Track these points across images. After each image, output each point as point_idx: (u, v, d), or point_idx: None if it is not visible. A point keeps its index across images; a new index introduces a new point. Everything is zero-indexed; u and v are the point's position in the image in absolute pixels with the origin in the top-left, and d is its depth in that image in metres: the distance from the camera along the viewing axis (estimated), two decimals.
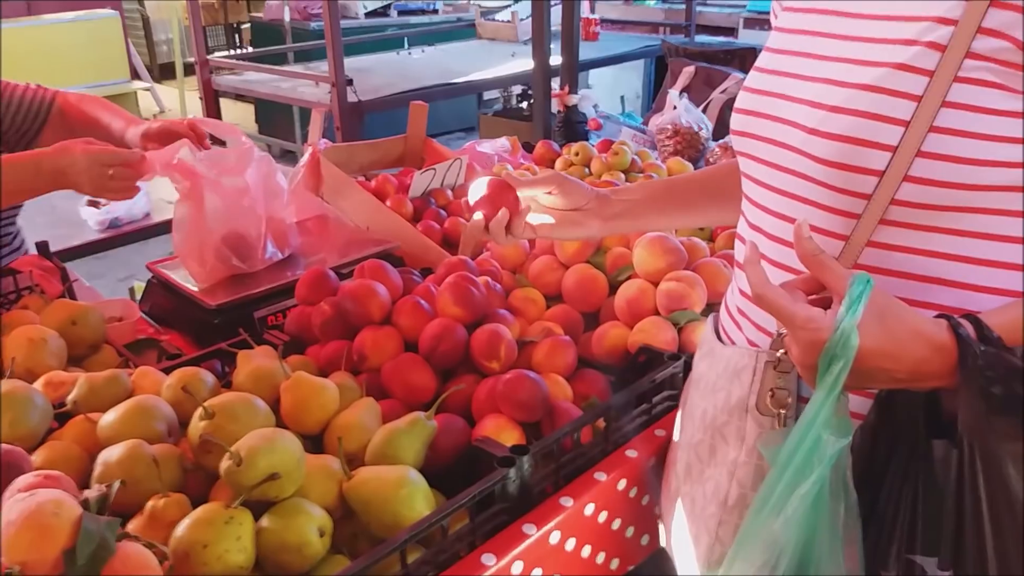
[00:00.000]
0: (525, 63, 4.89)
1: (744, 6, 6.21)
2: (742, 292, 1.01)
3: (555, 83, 3.33)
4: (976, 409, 0.74)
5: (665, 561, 1.22)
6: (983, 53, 0.77)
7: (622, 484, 1.15)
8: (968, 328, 0.76)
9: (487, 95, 7.29)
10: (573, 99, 2.74)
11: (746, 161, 1.00)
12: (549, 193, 1.21)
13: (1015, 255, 0.82)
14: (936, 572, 0.79)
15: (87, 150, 1.53)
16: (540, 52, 3.16)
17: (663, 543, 1.16)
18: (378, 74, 4.60)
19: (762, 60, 1.00)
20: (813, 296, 0.84)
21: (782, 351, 0.89)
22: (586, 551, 1.11)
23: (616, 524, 1.16)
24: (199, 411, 1.05)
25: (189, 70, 7.48)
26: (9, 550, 0.76)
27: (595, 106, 2.86)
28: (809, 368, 0.79)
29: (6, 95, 1.84)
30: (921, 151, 0.79)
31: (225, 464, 0.96)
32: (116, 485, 0.88)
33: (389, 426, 1.09)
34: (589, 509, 1.10)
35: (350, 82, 3.68)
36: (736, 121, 1.01)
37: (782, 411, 0.91)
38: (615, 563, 1.17)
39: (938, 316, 0.79)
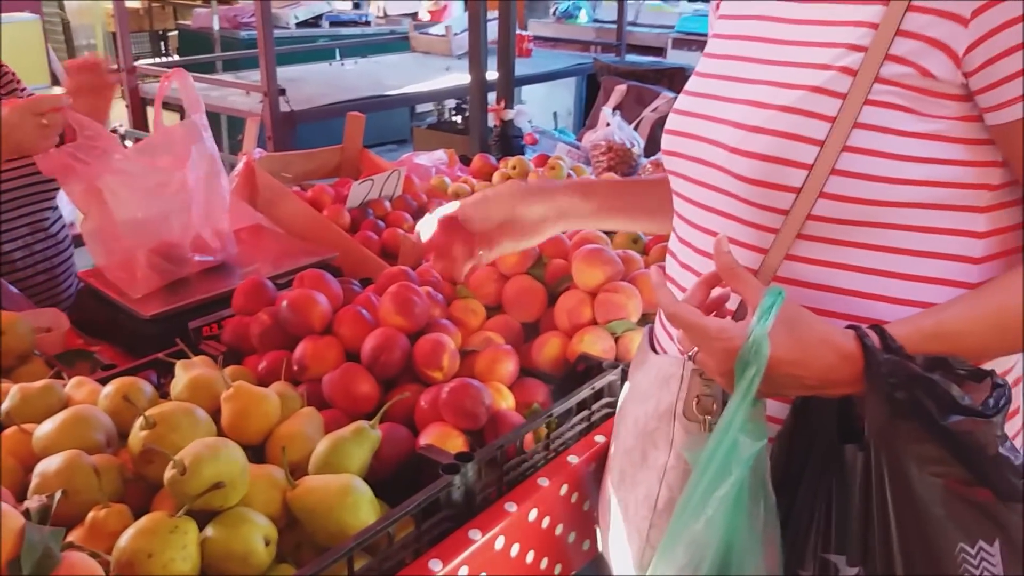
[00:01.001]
0: (460, 77, 4.93)
1: (672, 27, 6.36)
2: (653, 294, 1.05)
3: (490, 98, 3.37)
4: (881, 414, 0.79)
5: (604, 567, 1.25)
6: (890, 78, 0.82)
7: (564, 489, 1.17)
8: (873, 338, 0.81)
9: (420, 108, 7.28)
10: (509, 114, 2.77)
11: (675, 179, 1.04)
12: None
13: (925, 268, 0.87)
14: (847, 569, 0.84)
15: (11, 106, 1.53)
16: (477, 67, 3.19)
17: (600, 548, 1.19)
18: (310, 84, 4.57)
19: (691, 84, 1.05)
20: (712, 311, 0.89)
21: (694, 352, 0.91)
22: (530, 556, 1.13)
23: (559, 529, 1.18)
24: (140, 421, 1.04)
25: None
26: None
27: (530, 121, 2.91)
28: (727, 375, 0.82)
29: None
30: (835, 169, 0.84)
31: (169, 473, 0.95)
32: (58, 495, 0.87)
33: (334, 435, 1.09)
34: (532, 514, 1.12)
35: (283, 92, 3.65)
36: (666, 142, 1.05)
37: (708, 417, 0.95)
38: (557, 568, 1.20)
39: (847, 327, 0.83)
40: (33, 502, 0.86)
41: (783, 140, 0.86)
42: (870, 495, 0.80)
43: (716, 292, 0.92)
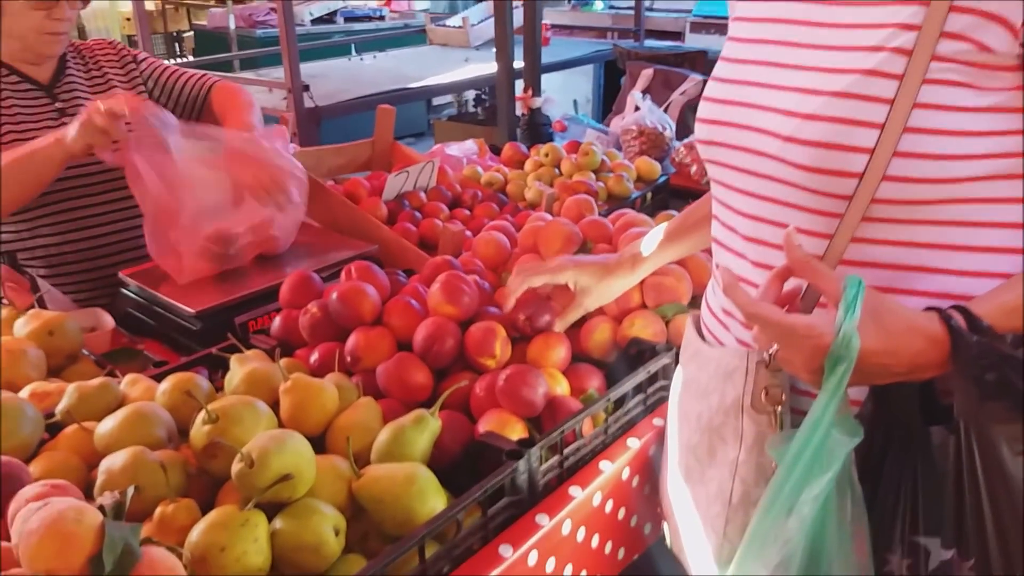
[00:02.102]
0: (480, 68, 4.92)
1: (690, 11, 6.32)
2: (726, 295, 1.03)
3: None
4: (971, 396, 0.78)
5: (667, 555, 1.24)
6: (947, 55, 0.80)
7: (626, 473, 1.16)
8: (959, 319, 0.79)
9: (436, 101, 7.29)
10: (537, 102, 2.76)
11: (716, 168, 1.02)
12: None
13: (991, 239, 0.86)
14: (940, 551, 0.82)
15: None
16: (504, 55, 3.17)
17: (669, 544, 1.17)
18: (331, 80, 4.57)
19: (721, 70, 1.02)
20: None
21: (774, 349, 0.89)
22: (595, 541, 1.12)
23: (621, 513, 1.17)
24: (202, 415, 1.04)
25: None
26: (32, 560, 0.74)
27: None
28: (815, 372, 0.81)
29: (170, 83, 1.96)
30: (897, 151, 0.82)
31: (237, 466, 0.95)
32: (131, 491, 0.86)
33: (395, 424, 1.09)
34: (597, 498, 1.11)
35: (306, 88, 3.64)
36: (702, 131, 1.03)
37: (777, 407, 0.93)
38: (621, 552, 1.19)
39: (927, 309, 0.81)
40: (106, 499, 0.85)
41: (841, 126, 0.84)
42: (962, 476, 0.79)
43: (788, 285, 0.90)
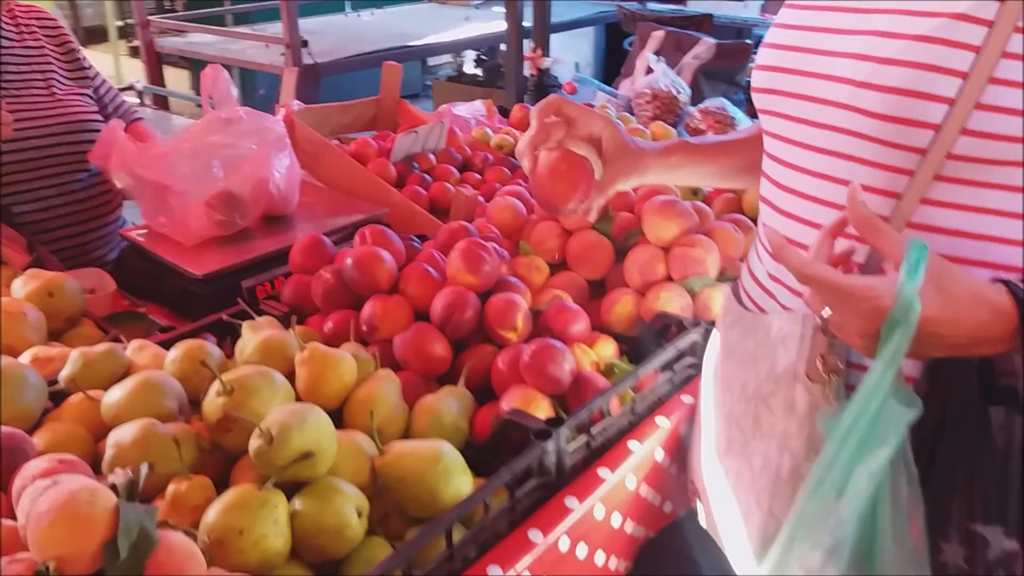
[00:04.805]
0: (480, 27, 4.82)
1: None
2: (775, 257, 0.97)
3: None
4: None
5: (683, 533, 1.20)
6: None
7: (659, 455, 1.12)
8: None
9: (431, 61, 7.16)
10: (546, 62, 2.67)
11: (773, 119, 0.96)
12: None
13: None
14: (1003, 540, 0.78)
15: None
16: (513, 13, 3.07)
17: (702, 523, 1.12)
18: (329, 36, 4.46)
19: (785, 16, 0.96)
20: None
21: (826, 312, 0.83)
22: (628, 526, 1.07)
23: (651, 496, 1.13)
24: (216, 386, 0.98)
25: (119, 33, 7.19)
26: (42, 545, 0.69)
27: (576, 64, 2.81)
28: (870, 337, 0.75)
29: (107, 98, 1.98)
30: (979, 103, 0.76)
31: (255, 443, 0.89)
32: (144, 469, 0.81)
33: (429, 400, 1.04)
34: (630, 481, 1.06)
35: (305, 43, 3.54)
36: (761, 79, 0.97)
37: (834, 376, 0.88)
38: (640, 531, 1.14)
39: (994, 280, 0.76)
40: (118, 477, 0.80)
41: (922, 72, 0.78)
42: None
43: (839, 246, 0.85)
